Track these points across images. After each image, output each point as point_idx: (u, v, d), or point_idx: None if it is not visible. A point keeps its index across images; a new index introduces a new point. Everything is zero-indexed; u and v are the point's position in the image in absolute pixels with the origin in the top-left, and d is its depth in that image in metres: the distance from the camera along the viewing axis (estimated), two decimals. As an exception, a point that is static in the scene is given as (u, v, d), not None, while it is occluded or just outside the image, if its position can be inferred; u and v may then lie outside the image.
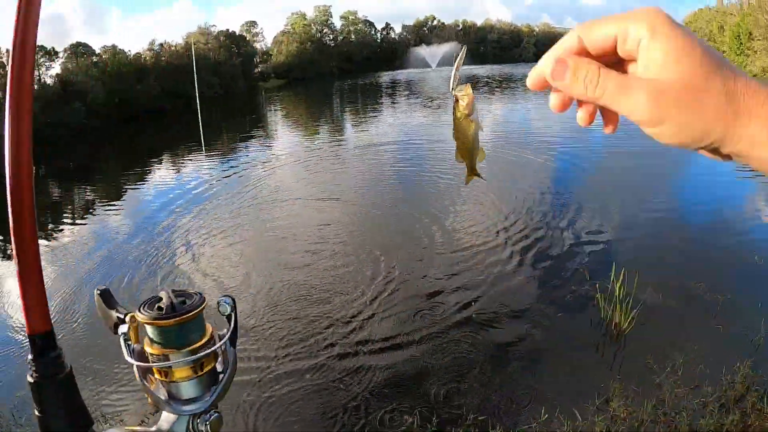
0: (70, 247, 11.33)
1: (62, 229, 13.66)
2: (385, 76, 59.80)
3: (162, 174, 20.37)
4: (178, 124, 45.01)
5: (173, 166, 22.10)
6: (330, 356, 5.59)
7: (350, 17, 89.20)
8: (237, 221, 10.98)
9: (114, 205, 15.94)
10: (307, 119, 29.27)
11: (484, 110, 21.95)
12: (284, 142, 21.64)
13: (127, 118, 51.83)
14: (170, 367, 0.91)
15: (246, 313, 6.52)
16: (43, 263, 0.87)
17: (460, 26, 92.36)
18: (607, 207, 9.78)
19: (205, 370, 0.94)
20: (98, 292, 0.99)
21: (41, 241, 12.88)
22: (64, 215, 16.15)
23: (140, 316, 0.90)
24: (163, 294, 0.92)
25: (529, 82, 0.66)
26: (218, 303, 0.99)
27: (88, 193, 20.04)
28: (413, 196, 11.22)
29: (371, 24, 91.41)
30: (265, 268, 8.23)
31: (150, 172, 20.96)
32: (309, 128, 24.87)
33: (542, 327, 5.93)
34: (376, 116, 24.87)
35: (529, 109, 24.68)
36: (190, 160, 22.40)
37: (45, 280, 0.87)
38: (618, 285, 5.77)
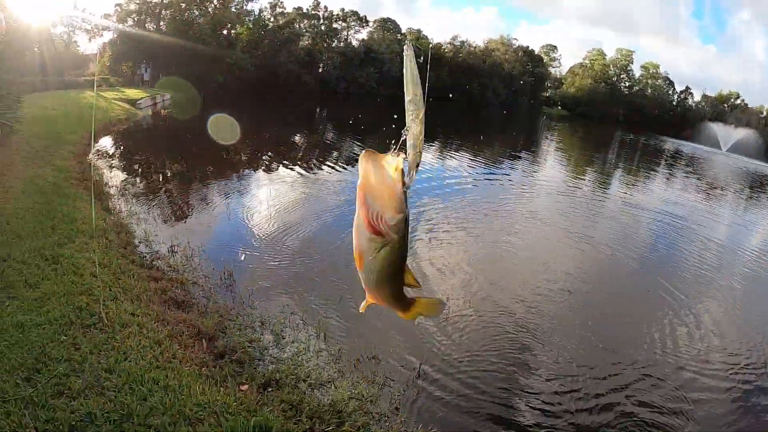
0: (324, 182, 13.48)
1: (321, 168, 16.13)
2: (670, 143, 55.74)
3: (431, 155, 22.23)
4: (461, 116, 47.63)
5: (444, 152, 23.90)
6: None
7: (651, 69, 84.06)
8: (480, 226, 11.43)
9: None
10: (579, 159, 29.09)
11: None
12: (550, 172, 21.93)
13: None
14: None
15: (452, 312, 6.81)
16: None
17: (764, 113, 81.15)
18: None
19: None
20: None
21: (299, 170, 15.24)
22: (331, 157, 18.70)
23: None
24: None
25: None
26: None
27: (357, 145, 22.65)
28: (665, 271, 10.19)
29: (671, 83, 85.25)
30: (486, 279, 8.32)
31: (424, 149, 22.96)
32: (578, 168, 24.82)
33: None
34: (647, 182, 23.77)
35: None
36: (462, 153, 23.99)
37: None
38: None
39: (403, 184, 0.77)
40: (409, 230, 0.79)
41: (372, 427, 4.25)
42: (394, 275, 0.89)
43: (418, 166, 0.78)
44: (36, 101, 18.83)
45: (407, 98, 0.77)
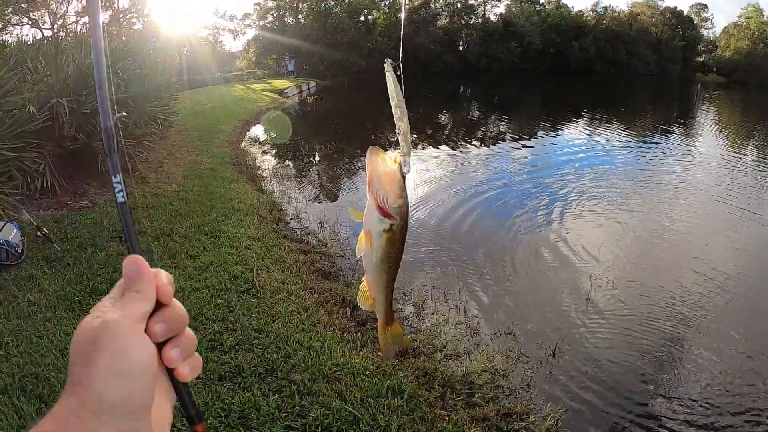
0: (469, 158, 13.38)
1: (468, 143, 15.94)
2: None
3: (573, 128, 21.25)
4: (605, 89, 44.93)
5: (588, 125, 22.76)
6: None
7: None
8: (626, 200, 10.80)
9: (518, 138, 17.60)
10: (739, 132, 26.21)
11: None
12: (707, 146, 20.03)
13: (556, 68, 53.93)
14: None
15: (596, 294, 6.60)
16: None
17: None
18: None
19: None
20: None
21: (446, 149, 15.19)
22: (476, 133, 18.48)
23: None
24: None
25: None
26: None
27: (502, 123, 22.23)
28: None
29: None
30: (636, 261, 7.78)
31: (563, 123, 22.11)
32: (738, 142, 22.40)
33: None
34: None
35: None
36: (606, 125, 22.73)
37: None
38: None
39: (401, 172, 0.88)
40: (409, 218, 0.93)
41: (501, 401, 4.26)
42: (393, 266, 0.97)
43: (408, 156, 0.91)
44: (189, 97, 20.80)
45: (393, 104, 0.91)
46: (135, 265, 0.61)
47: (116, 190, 0.78)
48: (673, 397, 4.78)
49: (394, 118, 0.91)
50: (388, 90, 0.92)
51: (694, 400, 4.75)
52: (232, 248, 6.08)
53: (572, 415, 4.37)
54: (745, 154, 18.61)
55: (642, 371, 5.17)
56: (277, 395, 3.61)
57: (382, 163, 0.89)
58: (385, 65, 0.91)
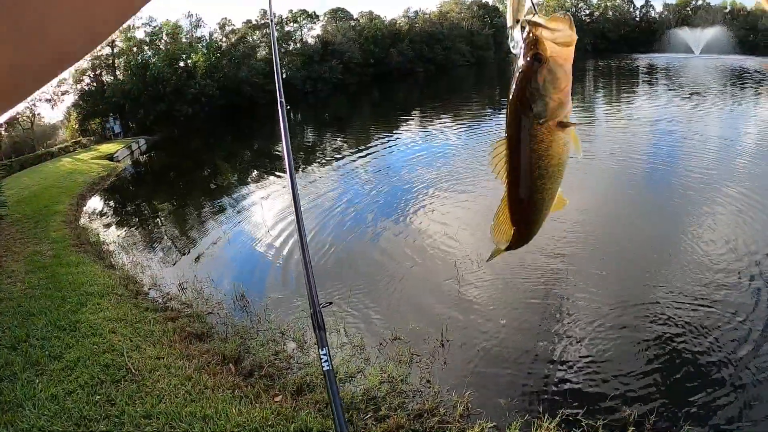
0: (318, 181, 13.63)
1: (312, 169, 16.19)
2: (642, 59, 55.14)
3: (406, 128, 22.35)
4: (429, 86, 47.46)
5: (420, 123, 23.94)
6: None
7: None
8: (470, 181, 11.60)
9: (361, 150, 18.03)
10: (575, 94, 28.99)
11: (754, 116, 19.24)
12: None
13: (380, 76, 56.01)
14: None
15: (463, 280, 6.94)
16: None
17: (728, 8, 79.79)
18: None
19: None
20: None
21: (285, 181, 15.39)
22: (316, 156, 18.79)
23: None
24: None
25: None
26: None
27: (337, 139, 22.71)
28: (664, 201, 9.42)
29: (630, 0, 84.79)
30: (486, 231, 8.41)
31: (397, 126, 23.05)
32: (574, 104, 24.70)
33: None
34: (630, 104, 23.60)
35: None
36: (437, 119, 24.01)
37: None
38: None
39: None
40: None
41: (408, 405, 4.38)
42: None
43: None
44: (15, 183, 19.02)
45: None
46: None
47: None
48: (560, 349, 5.28)
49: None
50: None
51: (579, 342, 5.32)
52: (96, 337, 5.65)
53: (479, 394, 4.59)
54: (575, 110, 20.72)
55: (525, 335, 5.61)
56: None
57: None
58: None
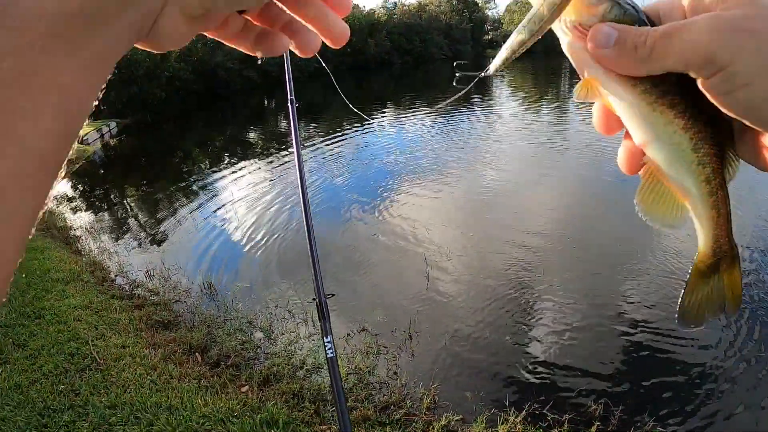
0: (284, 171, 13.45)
1: (281, 155, 16.04)
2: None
3: (382, 118, 22.46)
4: (406, 77, 47.49)
5: (395, 114, 23.98)
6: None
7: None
8: (442, 172, 11.62)
9: (330, 140, 17.88)
10: (533, 94, 29.21)
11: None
12: (507, 113, 22.00)
13: (356, 66, 55.77)
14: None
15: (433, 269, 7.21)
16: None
17: None
18: None
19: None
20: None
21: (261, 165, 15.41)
22: (289, 144, 18.68)
23: None
24: None
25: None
26: None
27: (310, 127, 22.57)
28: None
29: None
30: (458, 223, 8.66)
31: (372, 115, 22.97)
32: (533, 104, 24.94)
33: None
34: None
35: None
36: (411, 109, 24.30)
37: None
38: None
39: None
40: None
41: (375, 396, 4.43)
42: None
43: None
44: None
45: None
46: None
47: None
48: (528, 343, 5.40)
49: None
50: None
51: (547, 336, 5.44)
52: (61, 324, 5.57)
53: (446, 387, 4.67)
54: (538, 108, 21.05)
55: (493, 329, 5.69)
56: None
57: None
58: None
